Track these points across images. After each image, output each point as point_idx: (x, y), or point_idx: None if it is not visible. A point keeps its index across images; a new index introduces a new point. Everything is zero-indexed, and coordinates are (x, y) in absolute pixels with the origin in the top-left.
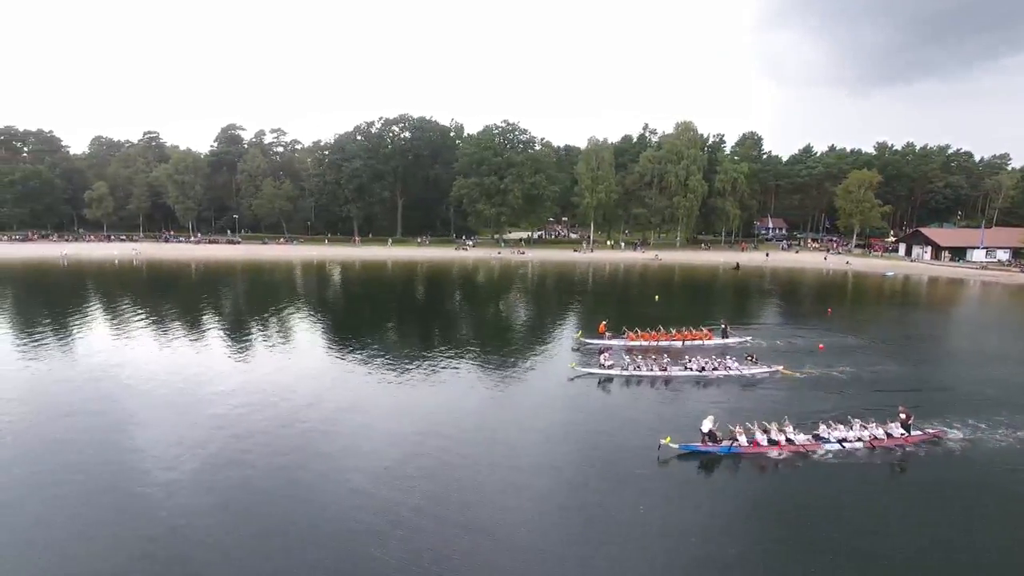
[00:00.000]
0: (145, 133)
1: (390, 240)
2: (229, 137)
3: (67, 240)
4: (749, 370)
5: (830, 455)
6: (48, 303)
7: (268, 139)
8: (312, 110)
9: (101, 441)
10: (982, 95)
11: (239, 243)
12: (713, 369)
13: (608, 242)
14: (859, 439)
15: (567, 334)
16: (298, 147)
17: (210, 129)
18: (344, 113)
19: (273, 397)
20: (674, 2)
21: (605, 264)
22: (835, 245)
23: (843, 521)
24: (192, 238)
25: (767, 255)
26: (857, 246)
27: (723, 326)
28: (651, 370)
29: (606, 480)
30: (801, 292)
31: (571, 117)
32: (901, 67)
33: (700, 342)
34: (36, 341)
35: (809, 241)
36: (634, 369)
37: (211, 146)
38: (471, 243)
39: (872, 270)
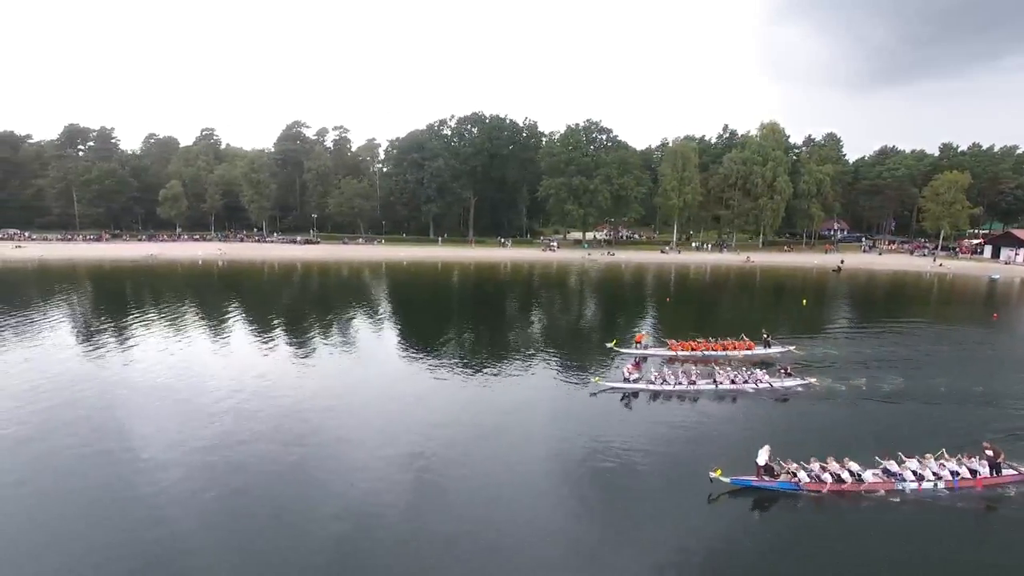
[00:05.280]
0: (203, 131)
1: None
2: (292, 135)
3: (140, 240)
4: (781, 383)
5: (904, 496)
6: (182, 302)
7: (331, 137)
8: (357, 108)
9: (140, 441)
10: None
11: (318, 243)
12: (744, 382)
13: (693, 244)
14: (937, 477)
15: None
16: (349, 145)
17: (259, 126)
18: (386, 110)
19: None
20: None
21: (698, 266)
22: (917, 247)
23: None
24: (270, 238)
25: (842, 261)
26: (942, 248)
27: (764, 336)
28: (679, 384)
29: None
30: (935, 297)
31: (570, 119)
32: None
33: (741, 352)
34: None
35: (886, 243)
36: (661, 383)
37: (275, 144)
38: (555, 244)
39: (971, 272)
